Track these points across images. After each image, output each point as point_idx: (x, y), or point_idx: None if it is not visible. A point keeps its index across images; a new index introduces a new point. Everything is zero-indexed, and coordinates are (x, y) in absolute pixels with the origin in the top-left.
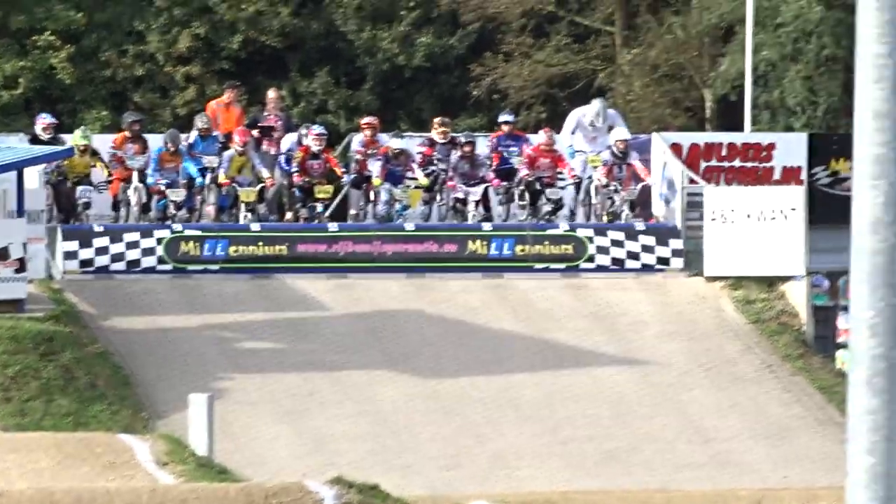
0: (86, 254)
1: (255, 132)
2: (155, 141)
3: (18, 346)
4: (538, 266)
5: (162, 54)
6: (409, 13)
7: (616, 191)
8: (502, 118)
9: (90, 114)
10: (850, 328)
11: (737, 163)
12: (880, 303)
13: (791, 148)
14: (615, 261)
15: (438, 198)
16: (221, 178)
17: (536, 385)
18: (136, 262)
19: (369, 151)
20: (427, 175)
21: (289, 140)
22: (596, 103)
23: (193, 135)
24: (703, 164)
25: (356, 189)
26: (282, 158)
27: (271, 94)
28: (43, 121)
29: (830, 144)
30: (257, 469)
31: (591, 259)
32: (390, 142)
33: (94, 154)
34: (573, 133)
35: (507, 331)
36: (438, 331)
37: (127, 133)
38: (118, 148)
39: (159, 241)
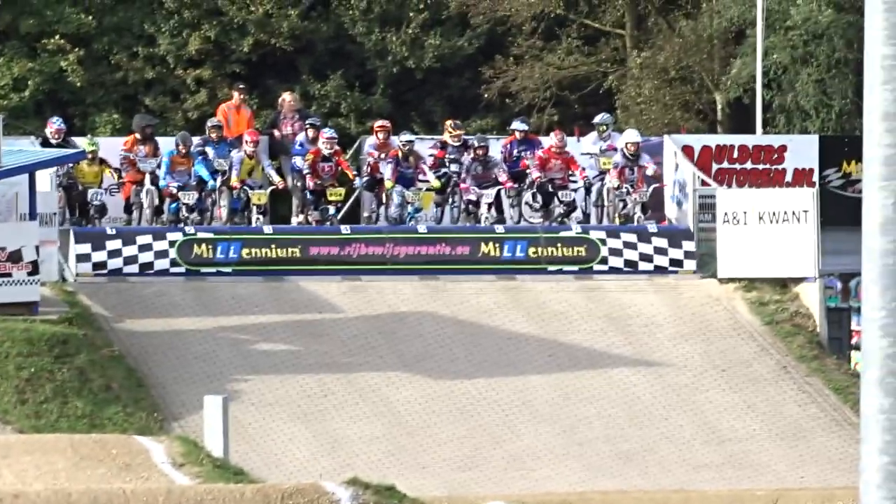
0: (99, 256)
1: (276, 133)
2: (166, 144)
3: (33, 349)
4: (551, 268)
5: (172, 57)
6: (418, 15)
7: (628, 193)
8: (515, 126)
9: (101, 117)
10: (862, 328)
11: (749, 165)
12: (892, 303)
13: (803, 150)
14: (628, 263)
15: (451, 200)
16: (233, 181)
17: (551, 386)
18: (149, 265)
19: (381, 154)
20: (439, 177)
21: (299, 137)
22: (600, 117)
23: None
24: (715, 167)
25: (368, 192)
26: (294, 160)
27: (287, 96)
28: (52, 125)
29: (842, 146)
30: (273, 470)
31: (604, 261)
32: (401, 135)
33: (102, 162)
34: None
35: (520, 332)
36: (452, 333)
37: (137, 135)
38: (129, 150)
39: (172, 243)
